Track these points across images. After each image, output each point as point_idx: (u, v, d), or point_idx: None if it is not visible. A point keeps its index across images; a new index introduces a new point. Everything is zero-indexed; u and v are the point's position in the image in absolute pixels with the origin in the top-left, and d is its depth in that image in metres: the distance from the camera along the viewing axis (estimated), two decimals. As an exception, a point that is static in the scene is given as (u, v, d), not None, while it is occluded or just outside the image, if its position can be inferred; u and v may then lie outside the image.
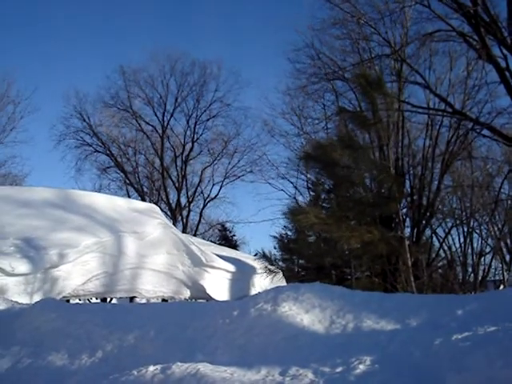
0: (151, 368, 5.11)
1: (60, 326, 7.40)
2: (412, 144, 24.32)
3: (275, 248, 24.94)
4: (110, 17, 55.70)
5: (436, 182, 23.18)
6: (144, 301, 17.64)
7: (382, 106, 11.90)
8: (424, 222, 22.91)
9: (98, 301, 16.54)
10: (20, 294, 10.78)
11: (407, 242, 13.19)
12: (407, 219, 23.05)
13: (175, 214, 31.52)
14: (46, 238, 11.78)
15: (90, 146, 33.14)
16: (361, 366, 5.27)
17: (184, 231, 25.43)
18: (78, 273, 11.90)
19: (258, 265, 16.18)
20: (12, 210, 12.72)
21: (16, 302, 9.82)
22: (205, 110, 33.47)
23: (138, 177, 33.92)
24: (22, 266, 10.83)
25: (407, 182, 23.27)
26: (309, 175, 25.11)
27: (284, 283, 15.11)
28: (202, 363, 5.18)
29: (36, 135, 57.40)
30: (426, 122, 23.43)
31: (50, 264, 11.27)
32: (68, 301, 12.39)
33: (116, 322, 7.12)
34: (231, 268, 15.40)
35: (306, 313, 6.50)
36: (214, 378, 4.91)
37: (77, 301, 14.61)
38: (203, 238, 25.29)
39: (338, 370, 5.30)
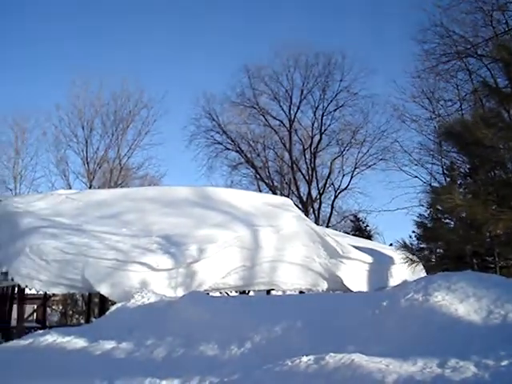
0: (304, 358, 5.05)
1: (208, 318, 7.63)
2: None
3: (410, 237, 24.06)
4: (230, 17, 56.99)
5: None
6: (280, 293, 17.81)
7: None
8: None
9: (236, 294, 16.96)
10: (165, 287, 11.30)
11: None
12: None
13: (307, 206, 31.56)
14: (187, 234, 12.25)
15: (221, 144, 34.28)
16: (530, 360, 4.84)
17: (316, 223, 25.32)
18: (218, 267, 12.24)
19: (395, 255, 15.69)
20: (156, 209, 13.40)
21: (164, 295, 10.32)
22: (331, 101, 33.17)
23: (269, 171, 34.49)
24: (166, 262, 11.34)
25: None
26: (444, 160, 23.84)
27: (423, 274, 14.53)
28: (356, 354, 5.03)
29: (169, 137, 60.28)
30: None
31: (191, 259, 11.70)
32: (207, 294, 12.78)
33: (262, 314, 7.19)
34: (368, 259, 15.04)
35: (460, 302, 6.13)
36: (370, 369, 4.75)
37: (217, 294, 15.06)
38: (335, 230, 25.04)
39: (504, 363, 4.90)
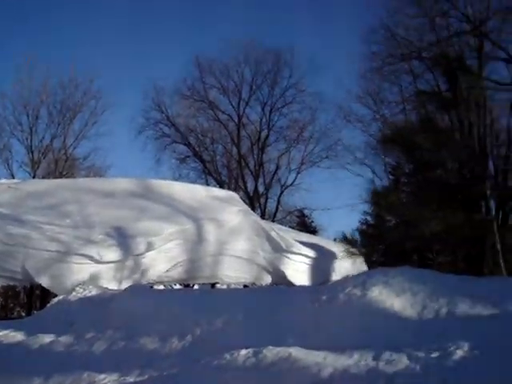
0: (243, 352, 5.12)
1: (150, 311, 7.60)
2: (495, 123, 23.16)
3: (355, 234, 24.52)
4: (183, 8, 56.31)
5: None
6: (225, 287, 17.85)
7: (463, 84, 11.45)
8: (511, 203, 21.84)
9: (181, 287, 16.90)
10: (110, 280, 11.16)
11: (495, 225, 12.63)
12: (491, 201, 22.01)
13: (253, 201, 31.67)
14: (131, 226, 12.10)
15: (169, 136, 34.02)
16: (458, 352, 5.07)
17: (262, 218, 25.52)
18: (162, 260, 12.18)
19: (338, 250, 16.00)
20: (97, 200, 13.14)
21: (106, 287, 10.20)
22: (279, 97, 33.38)
23: (216, 166, 34.36)
24: (111, 254, 11.20)
25: (490, 162, 22.18)
26: (387, 159, 24.43)
27: (365, 268, 14.88)
28: (294, 347, 5.14)
29: (117, 128, 59.26)
30: (511, 100, 22.23)
31: (137, 252, 11.59)
32: (151, 287, 12.70)
33: (204, 307, 7.22)
34: (311, 253, 15.28)
35: (397, 297, 6.34)
36: (307, 363, 4.87)
37: (161, 287, 14.99)
38: (281, 225, 25.29)
39: (434, 355, 5.12)
